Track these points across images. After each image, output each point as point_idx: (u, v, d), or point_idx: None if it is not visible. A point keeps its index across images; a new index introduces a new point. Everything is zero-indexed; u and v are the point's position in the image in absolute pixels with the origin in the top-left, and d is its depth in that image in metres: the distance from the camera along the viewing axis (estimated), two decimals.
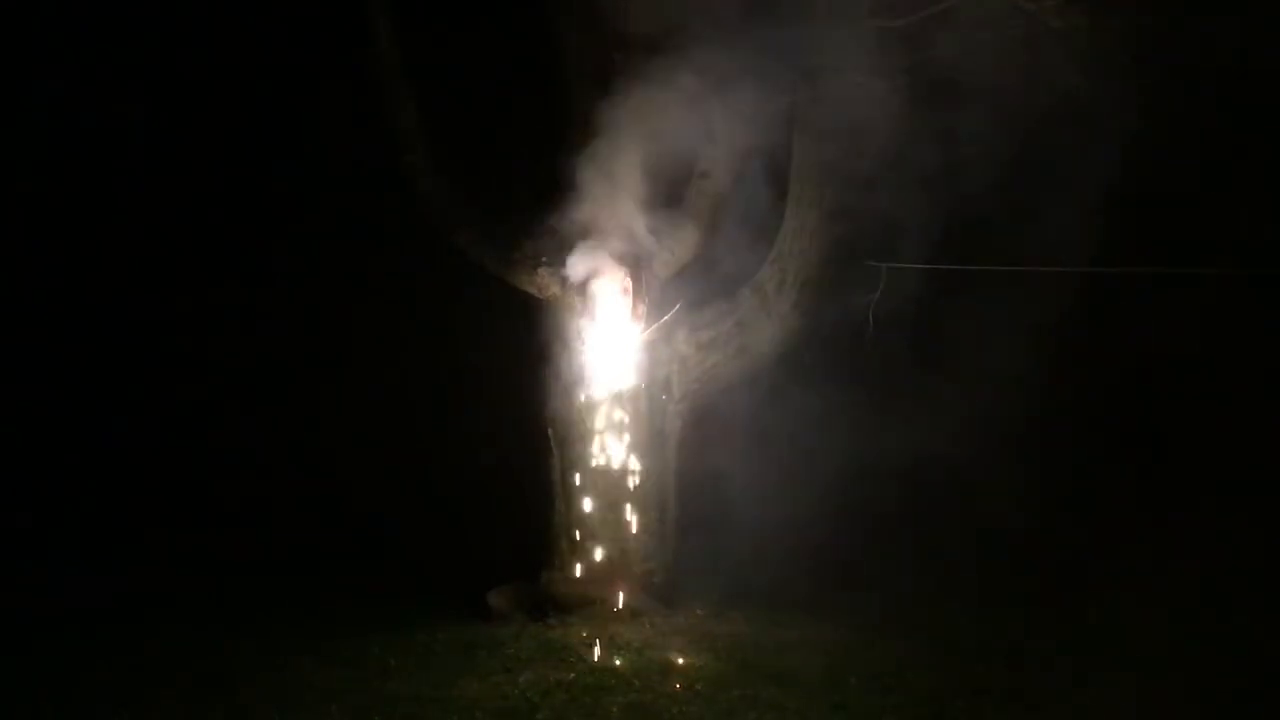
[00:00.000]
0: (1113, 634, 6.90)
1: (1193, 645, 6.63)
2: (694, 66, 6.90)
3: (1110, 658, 6.45)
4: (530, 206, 7.58)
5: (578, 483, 7.39)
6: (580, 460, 7.39)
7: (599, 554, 7.29)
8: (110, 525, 9.45)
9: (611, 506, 7.31)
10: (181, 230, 10.62)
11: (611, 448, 7.34)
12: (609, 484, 7.33)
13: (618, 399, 7.35)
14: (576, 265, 7.34)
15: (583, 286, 7.37)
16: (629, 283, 7.32)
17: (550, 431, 7.52)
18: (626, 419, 7.34)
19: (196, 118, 10.15)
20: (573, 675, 6.09)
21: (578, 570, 7.33)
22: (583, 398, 7.39)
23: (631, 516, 7.33)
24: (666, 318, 7.48)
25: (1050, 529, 9.20)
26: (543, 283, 7.52)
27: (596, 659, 6.40)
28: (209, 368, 10.69)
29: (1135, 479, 9.88)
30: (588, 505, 7.34)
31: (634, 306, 7.37)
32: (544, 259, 7.48)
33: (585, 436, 7.38)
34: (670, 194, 7.55)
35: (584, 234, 7.30)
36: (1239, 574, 7.72)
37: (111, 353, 10.50)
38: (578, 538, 7.37)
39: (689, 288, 7.63)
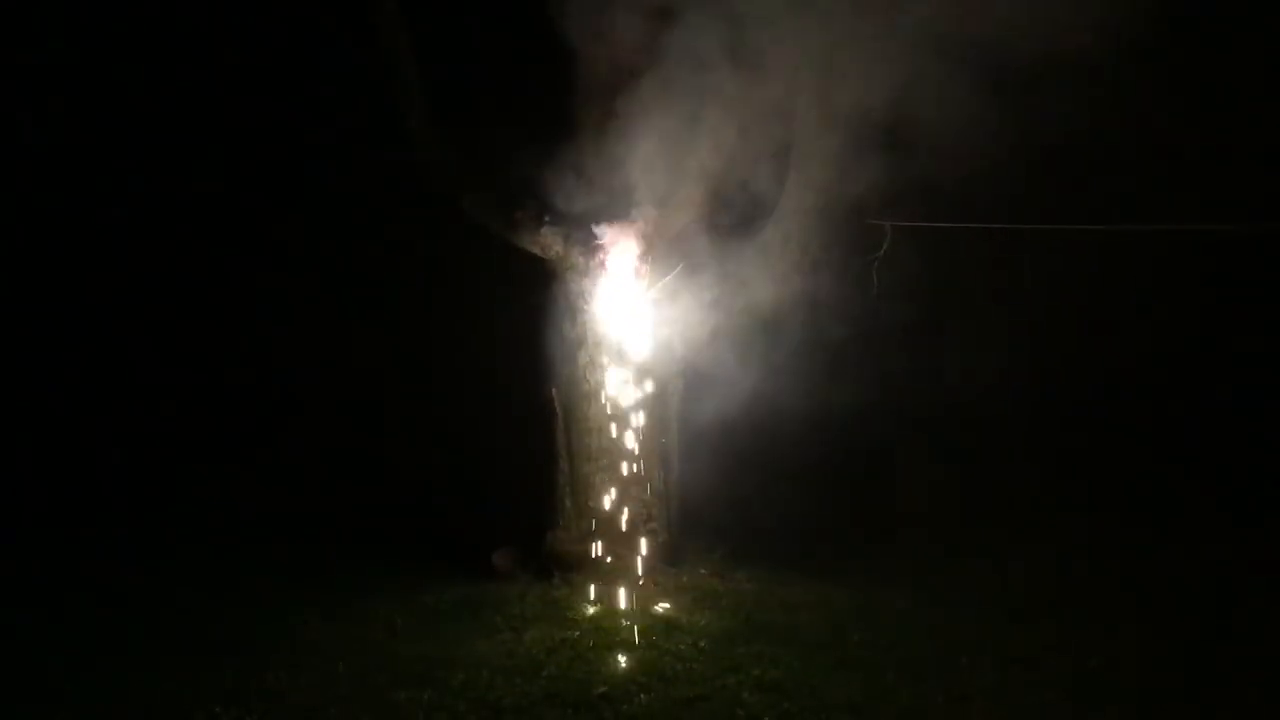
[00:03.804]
0: (1110, 594, 6.95)
1: (1180, 609, 6.70)
2: (698, 28, 6.81)
3: (1108, 617, 6.49)
4: (533, 168, 7.52)
5: (582, 443, 7.40)
6: (584, 420, 7.39)
7: (603, 514, 7.31)
8: (123, 493, 9.52)
9: (615, 467, 7.33)
10: (196, 214, 10.63)
11: (615, 408, 7.34)
12: (613, 444, 7.33)
13: (621, 359, 7.34)
14: (580, 226, 7.31)
15: (586, 247, 7.35)
16: (634, 242, 7.30)
17: (554, 392, 7.52)
18: (630, 379, 7.34)
19: (202, 106, 10.11)
20: (577, 634, 6.14)
21: (582, 530, 7.36)
22: (586, 358, 7.38)
23: (635, 477, 7.35)
24: (670, 278, 7.44)
25: (1049, 491, 9.25)
26: (546, 243, 7.49)
27: (601, 618, 6.44)
28: (217, 343, 10.77)
29: (1126, 444, 9.95)
30: (592, 466, 7.35)
31: (637, 267, 7.35)
32: (547, 219, 7.44)
33: (589, 396, 7.38)
34: (674, 156, 7.46)
35: (587, 195, 7.25)
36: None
37: (129, 331, 10.61)
38: (582, 498, 7.39)
39: (692, 248, 7.58)
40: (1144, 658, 5.80)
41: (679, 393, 7.63)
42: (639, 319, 7.37)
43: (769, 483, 8.13)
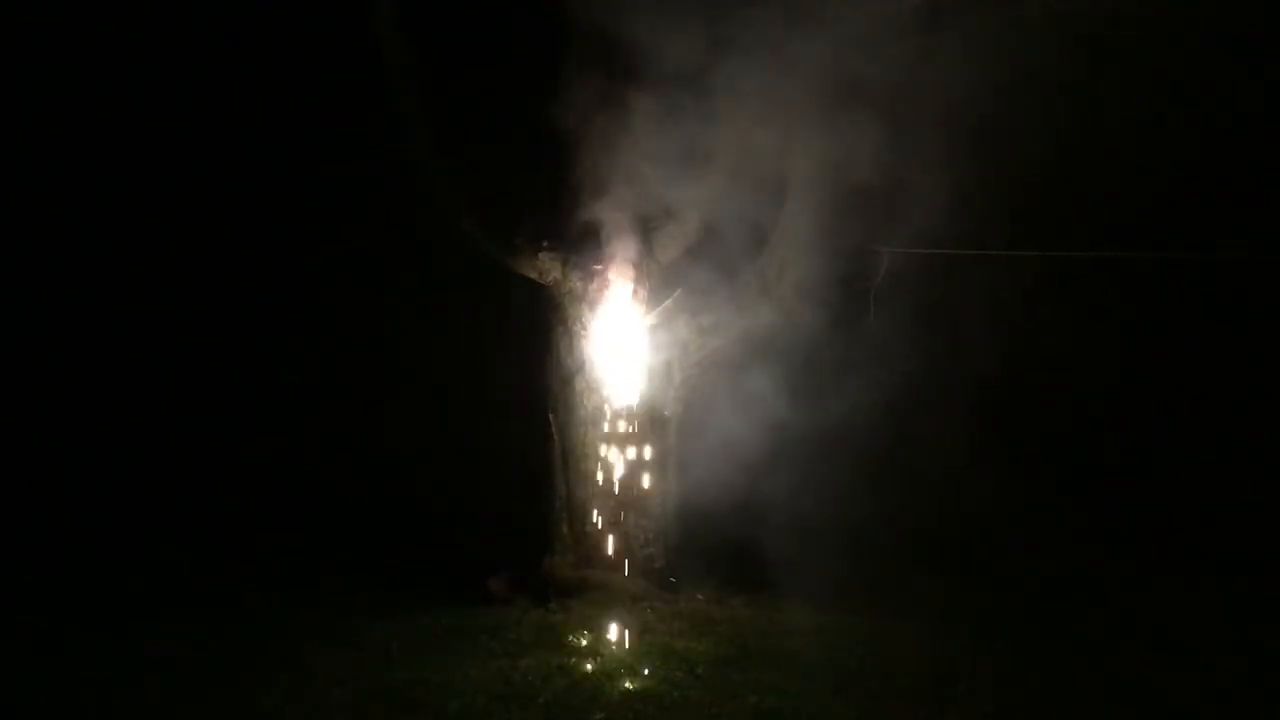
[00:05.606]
0: (1108, 615, 6.95)
1: (1180, 627, 6.69)
2: (695, 55, 6.87)
3: (1108, 647, 6.49)
4: (533, 192, 7.56)
5: (579, 468, 7.40)
6: (581, 446, 7.39)
7: (600, 539, 7.30)
8: (120, 519, 9.49)
9: (612, 492, 7.32)
10: (200, 230, 10.67)
11: (612, 434, 7.34)
12: (609, 470, 7.33)
13: (618, 384, 7.34)
14: (578, 251, 7.34)
15: (584, 272, 7.37)
16: (631, 268, 7.32)
17: (551, 417, 7.53)
18: (627, 404, 7.34)
19: (209, 119, 10.16)
20: (574, 660, 6.11)
21: (578, 555, 7.34)
22: (584, 384, 7.39)
23: (632, 502, 7.34)
24: (668, 302, 7.47)
25: (1040, 513, 9.27)
26: (544, 267, 7.52)
27: (597, 644, 6.42)
28: (214, 365, 10.77)
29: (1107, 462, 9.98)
30: (588, 491, 7.35)
31: (635, 291, 7.37)
32: (545, 244, 7.47)
33: (586, 422, 7.38)
34: (674, 181, 7.51)
35: (586, 219, 7.28)
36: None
37: (131, 346, 10.62)
38: (579, 523, 7.38)
39: (690, 272, 7.61)
40: (1146, 689, 5.79)
41: (676, 418, 7.63)
42: (636, 345, 7.38)
43: (766, 509, 8.10)
